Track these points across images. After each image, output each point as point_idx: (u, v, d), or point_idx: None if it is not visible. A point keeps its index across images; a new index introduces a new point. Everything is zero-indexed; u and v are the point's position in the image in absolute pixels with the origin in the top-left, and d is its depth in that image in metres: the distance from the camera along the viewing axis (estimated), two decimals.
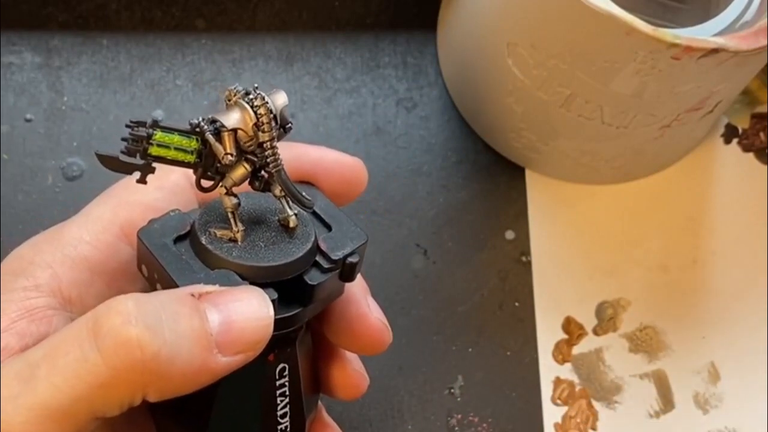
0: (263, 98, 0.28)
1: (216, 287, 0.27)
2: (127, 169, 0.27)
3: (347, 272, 0.30)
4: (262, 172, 0.29)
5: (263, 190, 0.30)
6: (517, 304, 0.50)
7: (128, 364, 0.24)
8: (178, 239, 0.29)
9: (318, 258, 0.30)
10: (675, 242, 0.52)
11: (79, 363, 0.24)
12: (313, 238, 0.30)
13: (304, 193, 0.30)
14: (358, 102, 0.53)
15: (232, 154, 0.28)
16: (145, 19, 0.53)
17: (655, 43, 0.39)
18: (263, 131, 0.28)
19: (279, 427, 0.31)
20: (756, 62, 0.43)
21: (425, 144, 0.52)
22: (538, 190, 0.52)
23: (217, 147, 0.28)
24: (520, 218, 0.51)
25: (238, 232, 0.29)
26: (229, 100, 0.28)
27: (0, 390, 0.24)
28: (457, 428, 0.47)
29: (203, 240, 0.28)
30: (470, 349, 0.48)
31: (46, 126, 0.50)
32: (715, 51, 0.39)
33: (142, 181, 0.28)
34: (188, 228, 0.29)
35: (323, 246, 0.30)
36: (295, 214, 0.30)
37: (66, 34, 0.52)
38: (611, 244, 0.52)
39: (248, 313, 0.26)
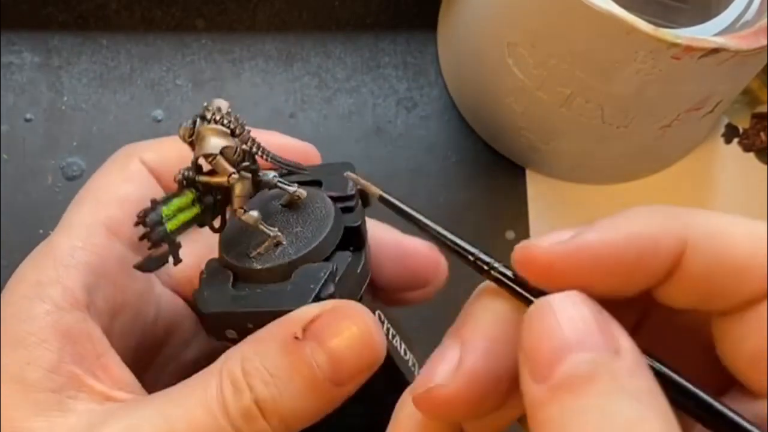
0: (214, 107, 0.28)
1: (314, 311, 0.26)
2: (163, 260, 0.28)
3: (365, 198, 0.31)
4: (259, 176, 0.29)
5: (255, 191, 0.30)
6: None
7: (258, 430, 0.26)
8: (235, 286, 0.28)
9: (339, 204, 0.30)
10: None
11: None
12: (325, 195, 0.30)
13: (290, 162, 0.30)
14: (358, 102, 0.53)
15: (234, 172, 0.27)
16: (145, 19, 0.53)
17: (656, 43, 0.39)
18: (237, 134, 0.28)
19: (408, 365, 0.32)
20: (756, 62, 0.43)
21: (425, 144, 0.52)
22: (539, 190, 0.52)
23: (217, 179, 0.28)
24: (520, 218, 0.51)
25: (277, 236, 0.28)
26: (191, 137, 0.28)
27: None
28: None
29: (256, 264, 0.28)
30: None
31: (46, 126, 0.50)
32: (715, 51, 0.39)
33: (177, 261, 0.28)
34: (230, 274, 0.29)
35: (334, 194, 0.30)
36: (297, 188, 0.30)
37: (66, 33, 0.52)
38: None
39: (355, 345, 0.26)
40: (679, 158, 0.54)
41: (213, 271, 0.29)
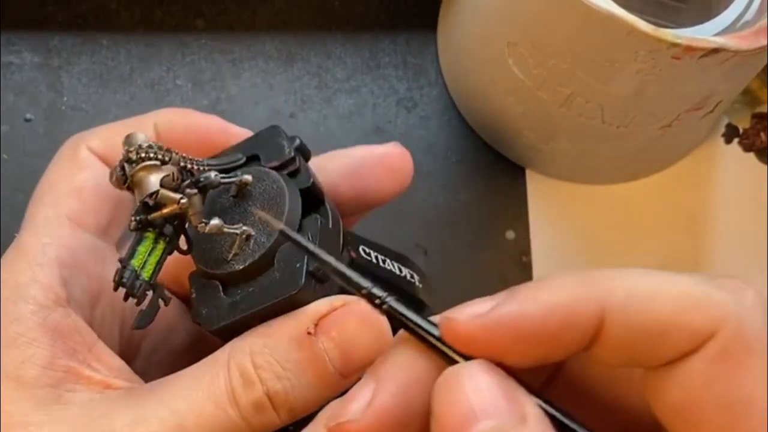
0: (135, 146, 0.27)
1: (324, 307, 0.27)
2: (155, 307, 0.28)
3: (306, 153, 0.31)
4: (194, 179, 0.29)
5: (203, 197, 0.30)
6: None
7: (268, 423, 0.27)
8: (226, 293, 0.29)
9: (284, 172, 0.30)
10: (675, 242, 0.52)
11: (225, 426, 0.27)
12: (268, 170, 0.30)
13: (223, 157, 0.30)
14: (358, 102, 0.53)
15: (182, 196, 0.28)
16: (145, 18, 0.53)
17: (656, 43, 0.39)
18: (167, 161, 0.27)
19: (407, 279, 0.33)
20: (756, 62, 0.43)
21: (425, 144, 0.52)
22: (539, 190, 0.52)
23: (168, 210, 0.28)
24: (520, 218, 0.51)
25: (244, 231, 0.28)
26: (125, 184, 0.28)
27: None
28: None
29: (238, 266, 0.28)
30: None
31: (45, 126, 0.50)
32: (715, 51, 0.39)
33: (168, 301, 0.29)
34: (217, 283, 0.29)
35: (275, 164, 0.30)
36: (241, 176, 0.30)
37: (66, 33, 0.52)
38: (612, 244, 0.52)
39: (364, 339, 0.27)
40: (679, 158, 0.54)
41: (200, 285, 0.29)
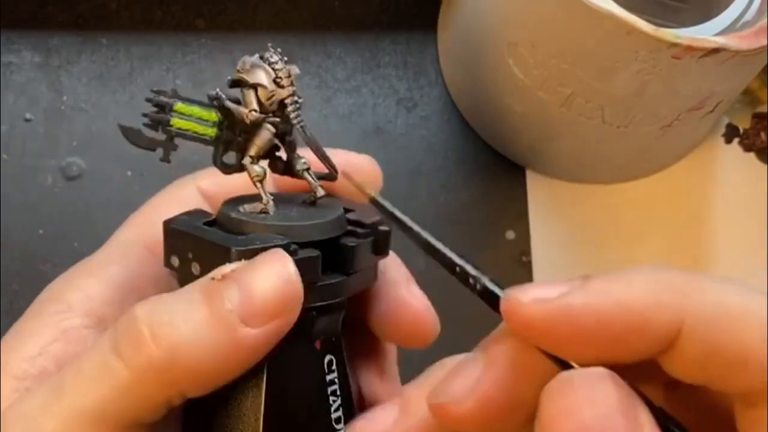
0: (279, 54, 0.28)
1: (240, 263, 0.25)
2: (151, 144, 0.27)
3: (381, 242, 0.29)
4: (281, 152, 0.29)
5: (284, 173, 0.29)
6: None
7: (146, 362, 0.24)
8: (207, 224, 0.28)
9: (350, 228, 0.29)
10: (676, 242, 0.52)
11: (101, 367, 0.24)
12: (341, 207, 0.29)
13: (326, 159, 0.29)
14: (359, 102, 0.53)
15: (256, 110, 0.27)
16: (145, 18, 0.53)
17: (656, 43, 0.39)
18: (282, 86, 0.28)
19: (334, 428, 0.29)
20: (757, 62, 0.43)
21: (425, 144, 0.52)
22: (539, 190, 0.52)
23: (239, 109, 0.27)
24: (520, 218, 0.51)
25: (268, 202, 0.28)
26: (243, 69, 0.28)
27: (35, 402, 0.25)
28: None
29: (233, 214, 0.27)
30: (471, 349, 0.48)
31: (45, 126, 0.50)
32: (715, 51, 0.39)
33: (165, 159, 0.28)
34: (213, 217, 0.28)
35: (352, 217, 0.29)
36: (320, 186, 0.29)
37: (65, 33, 0.52)
38: (612, 243, 0.52)
39: (269, 276, 0.25)
40: (680, 158, 0.54)
41: (199, 211, 0.29)
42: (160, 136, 0.27)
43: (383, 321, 0.31)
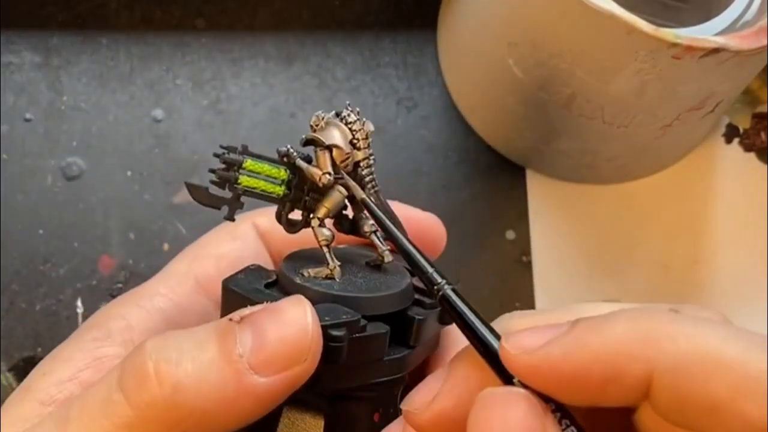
0: (357, 113, 0.27)
1: (262, 305, 0.25)
2: (216, 203, 0.26)
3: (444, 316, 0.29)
4: (347, 211, 0.28)
5: (350, 232, 0.28)
6: (518, 304, 0.50)
7: (149, 400, 0.23)
8: (268, 286, 0.27)
9: (417, 297, 0.28)
10: (676, 242, 0.52)
11: (105, 403, 0.24)
12: (408, 275, 0.28)
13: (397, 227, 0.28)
14: (359, 101, 0.53)
15: (330, 173, 0.26)
16: (145, 18, 0.53)
17: (656, 43, 0.39)
18: (358, 148, 0.26)
19: None
20: (757, 62, 0.43)
21: (425, 144, 0.52)
22: (539, 190, 0.52)
23: (311, 169, 0.26)
24: (520, 218, 0.51)
25: (334, 268, 0.27)
26: (317, 125, 0.27)
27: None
28: None
29: (298, 280, 0.26)
30: None
31: (45, 126, 0.50)
32: (716, 50, 0.39)
33: (230, 217, 0.27)
34: (274, 277, 0.27)
35: (418, 283, 0.28)
36: (388, 249, 0.28)
37: (65, 33, 0.52)
38: (612, 244, 0.52)
39: (283, 323, 0.24)
40: (680, 158, 0.54)
41: (260, 268, 0.28)
42: (227, 193, 0.26)
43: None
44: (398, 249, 0.25)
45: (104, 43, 0.52)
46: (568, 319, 0.23)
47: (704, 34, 0.42)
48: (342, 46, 0.54)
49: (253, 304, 0.25)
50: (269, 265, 0.32)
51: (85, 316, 0.47)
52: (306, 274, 0.27)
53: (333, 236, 0.27)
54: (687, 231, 0.52)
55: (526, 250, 0.51)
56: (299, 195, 0.27)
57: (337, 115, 0.27)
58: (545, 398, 0.22)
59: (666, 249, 0.52)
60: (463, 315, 0.24)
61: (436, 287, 0.24)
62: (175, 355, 0.23)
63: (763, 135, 0.54)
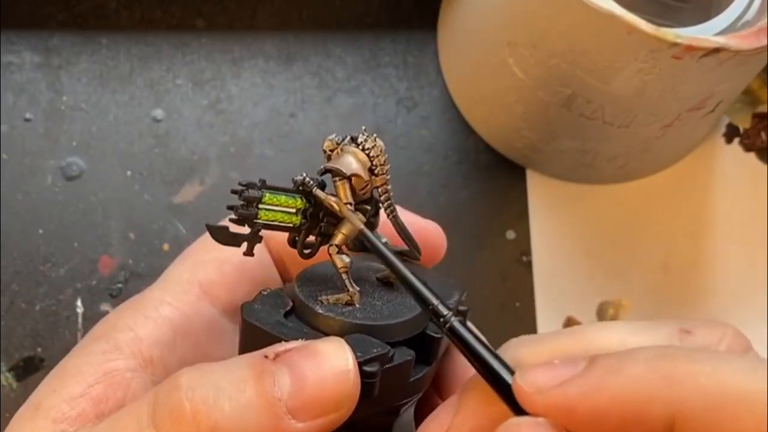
0: (374, 139, 0.26)
1: (297, 343, 0.24)
2: (237, 242, 0.26)
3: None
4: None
5: (362, 250, 0.28)
6: (518, 304, 0.50)
7: None
8: (287, 315, 0.26)
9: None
10: (676, 242, 0.52)
11: None
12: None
13: (410, 240, 0.28)
14: (359, 101, 0.53)
15: (351, 203, 0.26)
16: (145, 18, 0.53)
17: (657, 43, 0.39)
18: (377, 174, 0.26)
19: None
20: (757, 62, 0.43)
21: (425, 144, 0.52)
22: (539, 190, 0.52)
23: (329, 199, 0.26)
24: (520, 218, 0.51)
25: (354, 294, 0.26)
26: (332, 150, 0.26)
27: None
28: None
29: (320, 310, 0.26)
30: None
31: (45, 126, 0.50)
32: (716, 50, 0.39)
33: (249, 253, 0.26)
34: (290, 303, 0.27)
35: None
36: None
37: (65, 33, 0.52)
38: (612, 244, 0.52)
39: (324, 368, 0.23)
40: (680, 158, 0.54)
41: (274, 294, 0.27)
42: (245, 229, 0.26)
43: (451, 384, 0.31)
44: (400, 282, 0.25)
45: (104, 43, 0.52)
46: (578, 346, 0.22)
47: (704, 34, 0.42)
48: (342, 46, 0.54)
49: (278, 339, 0.25)
50: (270, 267, 0.31)
51: (85, 316, 0.47)
52: (325, 301, 0.26)
53: (351, 262, 0.27)
54: (687, 231, 0.52)
55: (526, 250, 0.51)
56: (314, 222, 0.27)
57: (353, 140, 0.26)
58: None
59: (666, 249, 0.52)
60: (471, 348, 0.23)
61: (442, 320, 0.24)
62: (212, 395, 0.23)
63: (763, 135, 0.54)
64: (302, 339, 0.25)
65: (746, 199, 0.53)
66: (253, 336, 0.26)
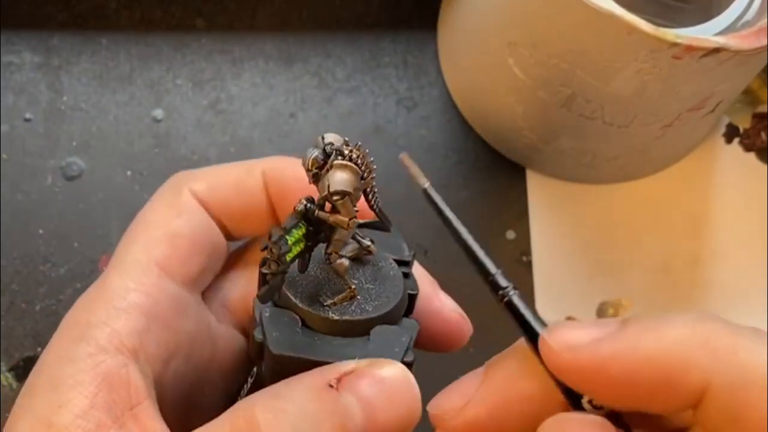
0: (358, 147, 0.27)
1: (353, 363, 0.25)
2: (279, 288, 0.27)
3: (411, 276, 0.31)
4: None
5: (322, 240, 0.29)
6: None
7: None
8: (303, 329, 0.27)
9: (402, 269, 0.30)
10: (676, 242, 0.52)
11: None
12: (388, 255, 0.30)
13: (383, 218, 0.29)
14: (359, 101, 0.53)
15: (355, 217, 0.27)
16: (145, 18, 0.53)
17: (657, 43, 0.39)
18: (365, 177, 0.27)
19: None
20: (757, 62, 0.43)
21: (425, 144, 0.52)
22: (539, 190, 0.52)
23: (338, 218, 0.26)
24: (520, 218, 0.51)
25: (355, 289, 0.28)
26: (318, 168, 0.26)
27: None
28: None
29: (335, 316, 0.27)
30: (471, 349, 0.48)
31: (45, 126, 0.50)
32: (716, 50, 0.39)
33: (271, 298, 0.27)
34: (296, 318, 0.27)
35: (394, 257, 0.30)
36: (371, 241, 0.29)
37: (65, 33, 0.52)
38: (612, 243, 0.52)
39: (393, 401, 0.24)
40: (680, 158, 0.54)
41: (275, 312, 0.27)
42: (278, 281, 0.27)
43: (420, 335, 0.31)
44: (462, 247, 0.25)
45: (104, 43, 0.52)
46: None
47: (704, 34, 0.42)
48: (342, 46, 0.54)
49: (318, 363, 0.26)
50: (216, 231, 0.31)
51: None
52: (330, 304, 0.27)
53: (350, 264, 0.28)
54: (687, 231, 0.52)
55: (526, 250, 0.51)
56: (314, 239, 0.28)
57: (339, 153, 0.26)
58: (614, 420, 0.21)
59: (666, 249, 0.52)
60: (528, 323, 0.23)
61: (501, 292, 0.24)
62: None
63: (763, 135, 0.54)
64: (355, 358, 0.26)
65: (746, 199, 0.53)
66: (293, 366, 0.26)
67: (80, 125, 0.50)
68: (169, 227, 0.30)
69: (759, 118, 0.55)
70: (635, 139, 0.48)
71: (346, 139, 0.27)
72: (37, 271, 0.48)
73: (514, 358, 0.23)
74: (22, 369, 0.46)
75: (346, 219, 0.26)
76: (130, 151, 0.50)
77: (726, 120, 0.55)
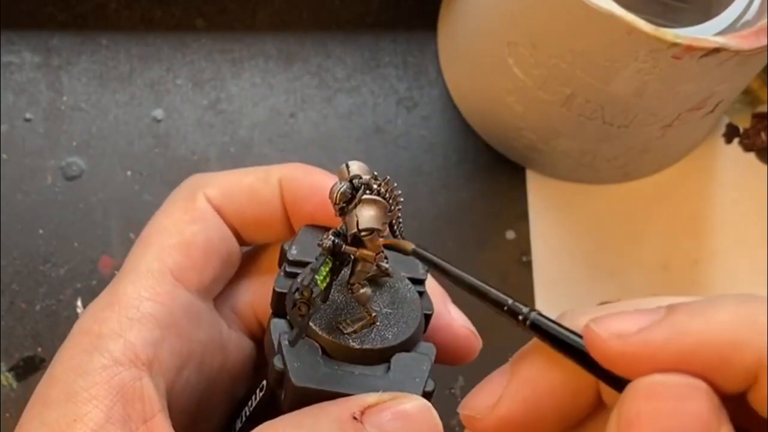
0: (387, 181, 0.26)
1: (376, 396, 0.25)
2: (302, 335, 0.27)
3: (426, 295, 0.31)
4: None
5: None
6: None
7: None
8: (323, 356, 0.27)
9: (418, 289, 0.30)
10: (676, 242, 0.52)
11: None
12: (403, 276, 0.30)
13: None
14: (359, 101, 0.53)
15: (383, 251, 0.27)
16: (145, 18, 0.53)
17: (656, 43, 0.39)
18: (391, 210, 0.27)
19: None
20: (757, 62, 0.43)
21: (425, 144, 0.52)
22: (539, 190, 0.52)
23: (364, 253, 0.26)
24: (520, 218, 0.51)
25: (374, 316, 0.28)
26: (346, 203, 0.26)
27: None
28: (458, 429, 0.47)
29: (356, 344, 0.27)
30: None
31: (45, 126, 0.50)
32: (716, 50, 0.39)
33: (296, 341, 0.27)
34: (315, 346, 0.27)
35: (408, 276, 0.30)
36: (387, 264, 0.29)
37: (65, 33, 0.52)
38: (612, 244, 0.52)
39: None
40: (680, 158, 0.54)
41: (299, 341, 0.27)
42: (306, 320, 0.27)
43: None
44: (468, 290, 0.25)
45: (104, 43, 0.52)
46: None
47: (704, 34, 0.42)
48: (342, 46, 0.54)
49: (341, 394, 0.26)
50: (230, 239, 0.31)
51: None
52: (350, 331, 0.27)
53: (372, 293, 0.28)
54: (687, 231, 0.52)
55: (526, 250, 0.51)
56: (338, 269, 0.28)
57: (368, 187, 0.26)
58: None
59: (666, 249, 0.52)
60: (557, 337, 0.23)
61: (521, 317, 0.24)
62: None
63: (763, 135, 0.54)
64: (378, 389, 0.26)
65: (746, 199, 0.53)
66: (315, 396, 0.26)
67: (80, 125, 0.50)
68: (183, 234, 0.30)
69: (759, 118, 0.55)
70: (635, 139, 0.48)
71: (375, 173, 0.27)
72: (37, 271, 0.48)
73: (540, 350, 0.23)
74: (22, 369, 0.46)
75: (373, 254, 0.26)
76: (130, 151, 0.50)
77: (726, 120, 0.55)
